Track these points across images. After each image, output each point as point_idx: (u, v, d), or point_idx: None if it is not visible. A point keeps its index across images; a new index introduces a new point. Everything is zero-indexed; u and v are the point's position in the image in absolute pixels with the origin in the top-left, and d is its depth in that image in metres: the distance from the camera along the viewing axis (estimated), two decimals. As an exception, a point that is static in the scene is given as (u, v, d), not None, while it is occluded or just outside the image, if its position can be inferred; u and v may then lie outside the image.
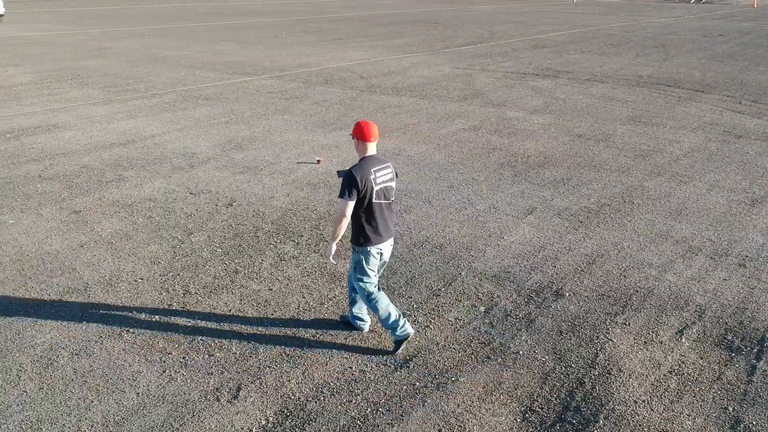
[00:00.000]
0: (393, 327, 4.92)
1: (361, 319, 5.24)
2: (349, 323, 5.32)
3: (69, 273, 6.25)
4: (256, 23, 32.36)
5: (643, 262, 6.54)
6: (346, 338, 5.19)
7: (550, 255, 6.70)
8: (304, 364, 4.84)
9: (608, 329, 5.35)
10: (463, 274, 6.28)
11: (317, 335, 5.23)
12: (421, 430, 4.19)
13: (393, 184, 4.88)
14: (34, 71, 17.66)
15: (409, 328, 4.97)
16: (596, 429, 4.21)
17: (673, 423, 4.27)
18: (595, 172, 9.39)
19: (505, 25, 32.93)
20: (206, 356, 4.95)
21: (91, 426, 4.19)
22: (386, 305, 4.89)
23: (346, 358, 4.93)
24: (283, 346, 5.07)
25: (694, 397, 4.54)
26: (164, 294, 5.88)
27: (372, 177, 4.69)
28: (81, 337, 5.17)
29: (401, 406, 4.40)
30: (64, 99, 14.20)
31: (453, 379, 4.70)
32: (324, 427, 4.21)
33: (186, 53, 21.30)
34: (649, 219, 7.64)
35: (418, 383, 4.64)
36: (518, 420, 4.29)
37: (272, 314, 5.54)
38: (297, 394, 4.52)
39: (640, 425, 4.25)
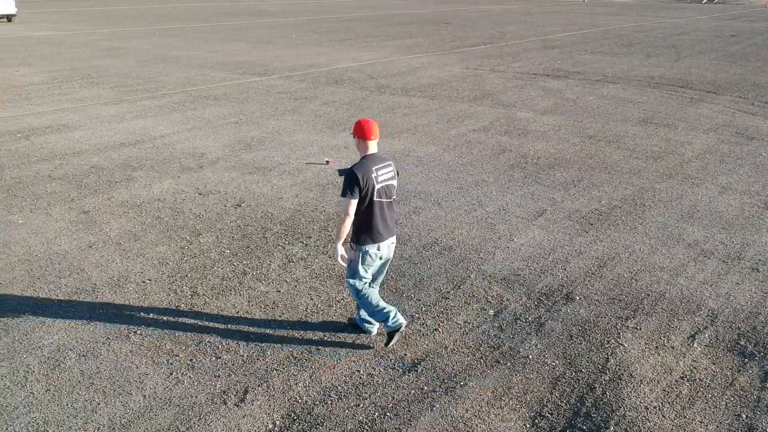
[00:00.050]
0: (385, 318, 4.90)
1: (370, 322, 5.20)
2: (357, 326, 5.29)
3: (77, 273, 6.26)
4: (267, 23, 32.41)
5: (655, 266, 6.46)
6: (354, 341, 5.15)
7: (561, 258, 6.64)
8: (311, 367, 4.81)
9: (619, 334, 5.29)
10: (472, 276, 6.23)
11: (325, 338, 5.19)
12: (429, 435, 4.15)
13: (394, 182, 4.86)
14: (45, 71, 17.75)
15: (401, 318, 4.96)
16: (607, 435, 4.16)
17: (685, 430, 4.21)
18: (606, 173, 9.31)
19: (516, 25, 32.82)
20: (213, 358, 4.93)
21: (97, 429, 4.17)
22: (377, 300, 4.88)
23: (354, 361, 4.90)
24: (290, 349, 5.04)
25: (706, 403, 4.47)
26: (172, 295, 5.87)
27: (373, 175, 4.67)
28: (88, 338, 5.17)
29: (409, 411, 4.36)
30: (75, 99, 14.26)
31: (462, 383, 4.65)
32: (331, 431, 4.17)
33: (196, 53, 21.36)
34: (661, 222, 7.56)
35: (426, 387, 4.60)
36: (528, 426, 4.24)
37: (280, 316, 5.52)
38: (304, 398, 4.49)
39: (651, 432, 4.19)
